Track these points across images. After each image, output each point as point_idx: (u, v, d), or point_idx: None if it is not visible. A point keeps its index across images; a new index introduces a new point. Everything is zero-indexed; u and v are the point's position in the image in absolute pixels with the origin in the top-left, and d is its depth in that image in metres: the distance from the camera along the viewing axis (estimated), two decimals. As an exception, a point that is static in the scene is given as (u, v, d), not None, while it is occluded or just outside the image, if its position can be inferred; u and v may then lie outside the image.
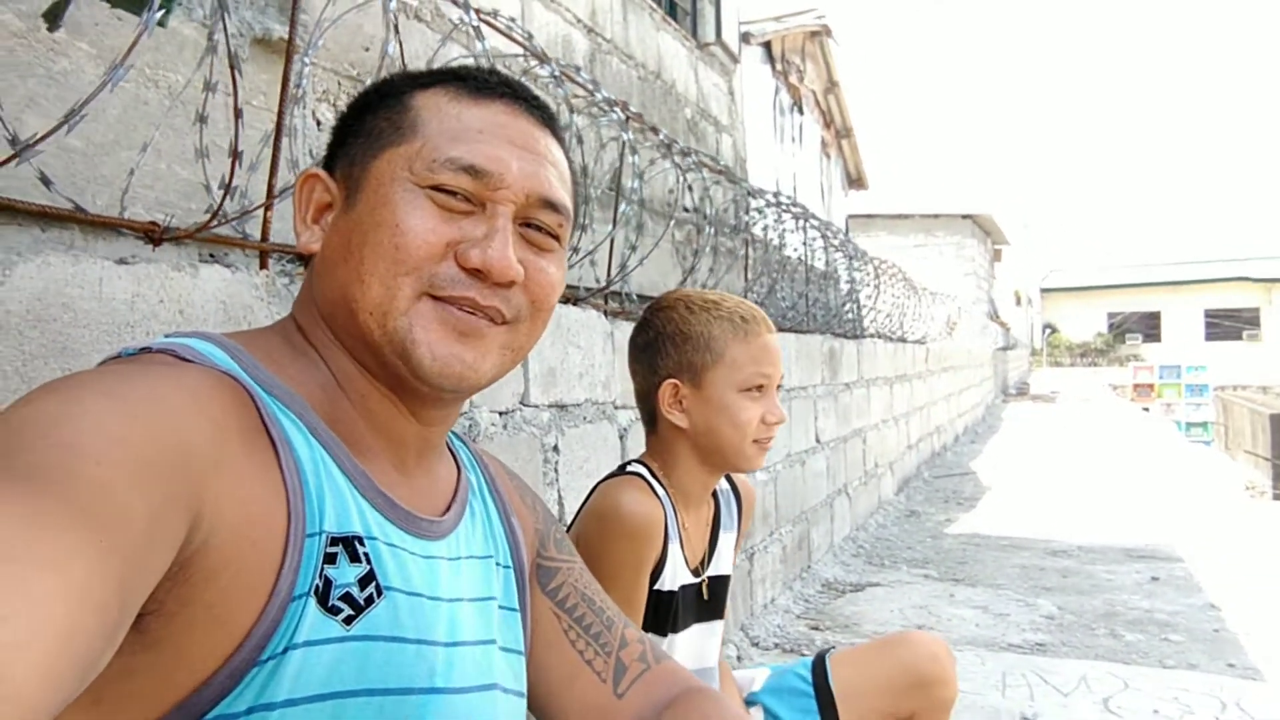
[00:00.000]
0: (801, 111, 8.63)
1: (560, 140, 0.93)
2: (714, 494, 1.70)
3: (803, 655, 3.67)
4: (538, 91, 0.96)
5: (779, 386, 1.60)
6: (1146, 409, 20.24)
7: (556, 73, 2.29)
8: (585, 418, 2.71)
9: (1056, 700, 3.09)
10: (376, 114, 0.87)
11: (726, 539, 1.69)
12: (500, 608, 0.95)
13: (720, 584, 1.66)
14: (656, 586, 1.53)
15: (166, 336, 0.80)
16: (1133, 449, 11.53)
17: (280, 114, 1.68)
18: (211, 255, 1.69)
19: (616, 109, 2.68)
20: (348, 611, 0.74)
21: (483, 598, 0.93)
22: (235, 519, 0.68)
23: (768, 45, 7.35)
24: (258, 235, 1.74)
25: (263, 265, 1.72)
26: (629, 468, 1.59)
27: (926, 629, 3.96)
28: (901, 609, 4.27)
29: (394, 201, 0.82)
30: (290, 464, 0.75)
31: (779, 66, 7.74)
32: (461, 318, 0.83)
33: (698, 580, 1.60)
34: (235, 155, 1.35)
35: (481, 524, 0.97)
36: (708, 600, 1.62)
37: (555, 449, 2.55)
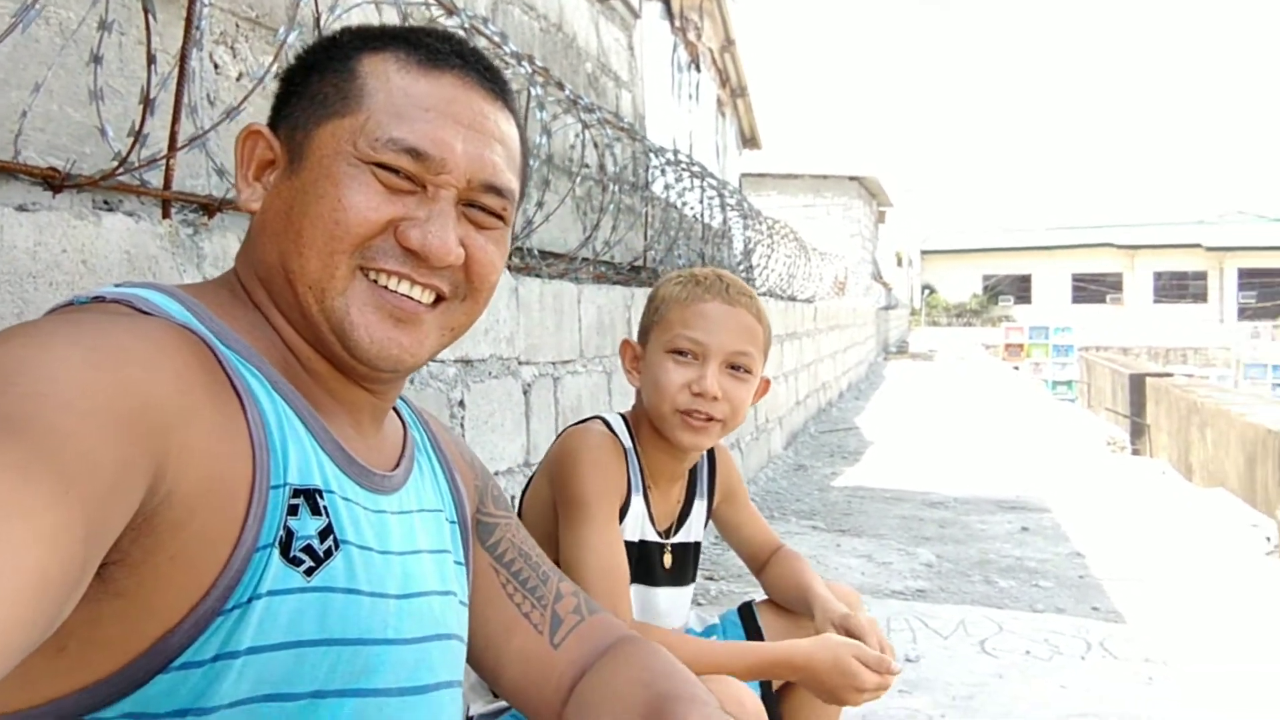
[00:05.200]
0: (699, 69, 8.64)
1: (513, 111, 0.92)
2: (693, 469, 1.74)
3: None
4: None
5: (737, 366, 1.55)
6: (1016, 368, 21.19)
7: (465, 24, 2.25)
8: (491, 373, 2.71)
9: (937, 643, 3.27)
10: (324, 76, 0.85)
11: (699, 506, 1.74)
12: (455, 562, 0.97)
13: (686, 551, 1.70)
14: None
15: (116, 286, 0.79)
16: (1003, 406, 12.10)
17: (183, 57, 1.61)
18: (106, 203, 1.62)
19: (525, 63, 2.65)
20: (308, 563, 0.76)
21: (439, 550, 0.95)
22: (201, 472, 0.69)
23: (667, 1, 7.32)
24: (156, 182, 1.68)
25: (165, 214, 1.66)
26: (604, 415, 1.63)
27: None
28: (791, 559, 4.42)
29: (336, 176, 0.81)
30: (256, 417, 0.75)
31: (678, 23, 7.73)
32: (397, 302, 0.83)
33: (663, 542, 1.65)
34: (147, 102, 1.30)
35: (430, 480, 0.99)
36: (669, 569, 1.66)
37: (461, 404, 2.54)
